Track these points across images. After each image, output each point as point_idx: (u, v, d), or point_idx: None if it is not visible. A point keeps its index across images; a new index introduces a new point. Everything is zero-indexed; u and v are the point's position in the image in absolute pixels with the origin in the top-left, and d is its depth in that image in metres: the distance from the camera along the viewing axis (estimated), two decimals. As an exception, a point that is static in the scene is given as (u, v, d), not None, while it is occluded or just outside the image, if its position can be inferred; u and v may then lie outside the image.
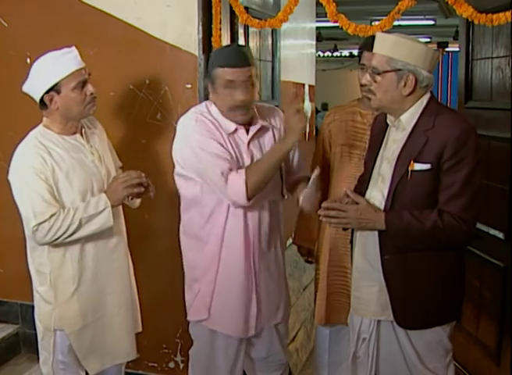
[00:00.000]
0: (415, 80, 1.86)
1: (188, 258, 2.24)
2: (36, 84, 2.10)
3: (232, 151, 2.07)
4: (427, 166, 1.83)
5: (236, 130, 2.09)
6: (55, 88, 2.07)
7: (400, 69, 1.85)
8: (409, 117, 1.91)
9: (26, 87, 2.13)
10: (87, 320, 2.21)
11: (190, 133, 2.09)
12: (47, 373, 2.27)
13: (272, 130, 2.19)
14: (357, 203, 1.91)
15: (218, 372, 2.24)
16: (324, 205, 1.93)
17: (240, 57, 2.02)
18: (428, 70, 1.87)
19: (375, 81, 1.89)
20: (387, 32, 2.00)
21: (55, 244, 2.10)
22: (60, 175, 2.09)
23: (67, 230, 2.05)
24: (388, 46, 1.87)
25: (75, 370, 2.27)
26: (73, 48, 2.13)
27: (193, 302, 2.23)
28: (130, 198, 2.18)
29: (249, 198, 2.00)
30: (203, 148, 2.04)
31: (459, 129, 1.82)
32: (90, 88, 2.11)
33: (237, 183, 1.99)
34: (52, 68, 2.07)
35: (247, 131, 2.12)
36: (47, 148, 2.09)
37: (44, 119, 2.17)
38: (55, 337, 2.20)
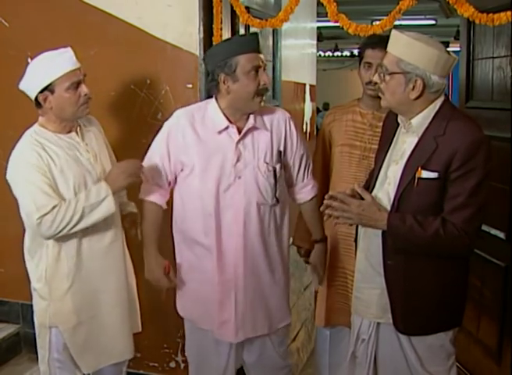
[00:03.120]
0: (423, 85, 1.78)
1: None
2: (31, 83, 2.10)
3: (213, 150, 2.08)
4: (434, 175, 1.77)
5: (226, 128, 2.08)
6: (49, 88, 2.07)
7: (408, 72, 1.78)
8: (420, 121, 1.84)
9: (22, 86, 2.14)
10: (81, 318, 2.21)
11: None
12: (44, 371, 2.28)
13: (271, 133, 2.14)
14: (362, 198, 1.85)
15: (211, 372, 2.25)
16: (327, 195, 1.89)
17: (258, 43, 2.05)
18: (440, 75, 1.79)
19: (384, 81, 1.84)
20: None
21: (58, 237, 2.09)
22: (55, 171, 2.09)
23: (70, 220, 2.05)
24: (399, 47, 1.79)
25: (71, 369, 2.27)
26: (69, 48, 2.12)
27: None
28: None
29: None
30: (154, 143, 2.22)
31: (470, 139, 1.75)
32: (84, 89, 2.10)
33: None
34: (47, 68, 2.07)
35: (239, 131, 2.10)
36: (42, 144, 2.10)
37: (40, 118, 2.18)
38: (50, 334, 2.22)
